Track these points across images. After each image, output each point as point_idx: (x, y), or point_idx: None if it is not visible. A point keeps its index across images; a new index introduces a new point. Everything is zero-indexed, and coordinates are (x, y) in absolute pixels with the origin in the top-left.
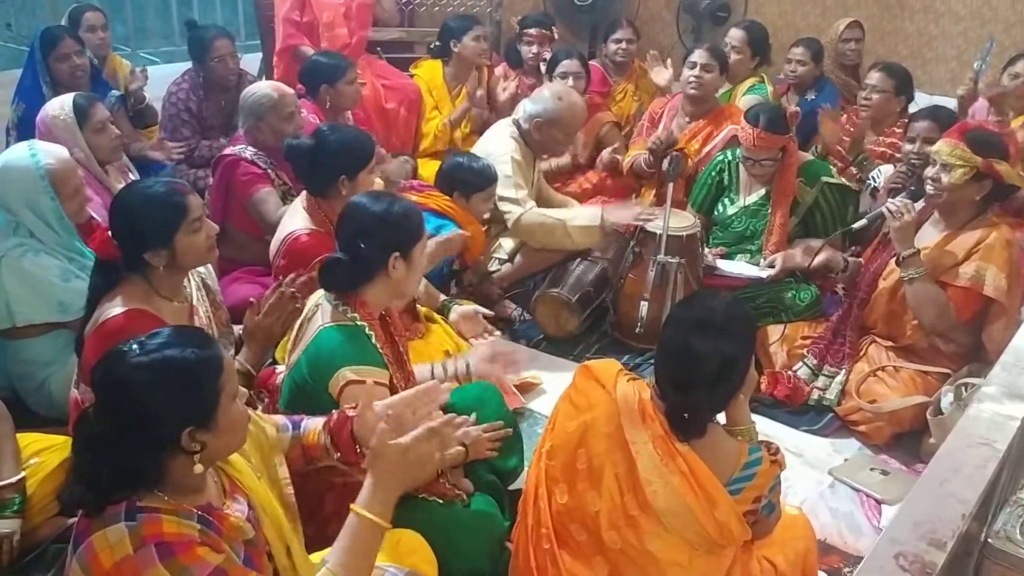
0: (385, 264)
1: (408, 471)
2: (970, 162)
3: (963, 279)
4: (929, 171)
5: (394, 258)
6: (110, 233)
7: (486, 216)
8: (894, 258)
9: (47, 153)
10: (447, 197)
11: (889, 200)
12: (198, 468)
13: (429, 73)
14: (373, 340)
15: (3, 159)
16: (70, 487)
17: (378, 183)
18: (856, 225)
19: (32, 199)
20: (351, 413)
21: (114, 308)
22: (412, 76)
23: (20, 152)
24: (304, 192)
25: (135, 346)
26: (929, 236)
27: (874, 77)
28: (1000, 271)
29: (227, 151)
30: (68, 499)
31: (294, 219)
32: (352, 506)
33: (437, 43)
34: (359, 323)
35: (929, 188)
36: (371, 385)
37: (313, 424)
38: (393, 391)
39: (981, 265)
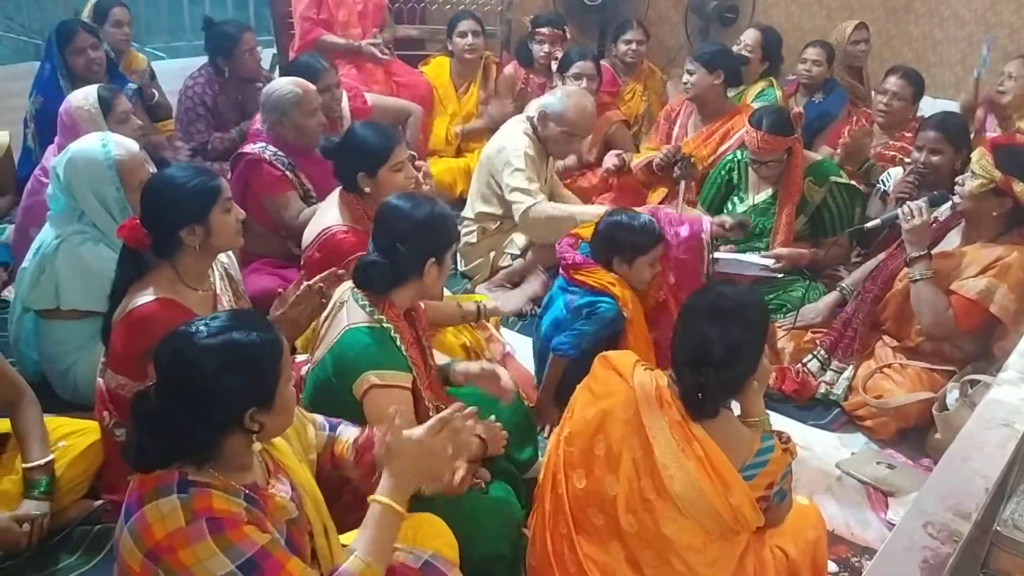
0: (421, 269)
1: (422, 463)
2: (989, 175)
3: (972, 291)
4: (960, 176)
5: (430, 263)
6: (139, 220)
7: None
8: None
9: (118, 144)
10: (608, 271)
11: (905, 203)
12: (256, 446)
13: (436, 70)
14: (398, 342)
15: (74, 147)
16: (130, 449)
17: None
18: (868, 225)
19: (98, 187)
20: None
21: (144, 296)
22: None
23: (92, 141)
24: (339, 188)
25: (201, 328)
26: (953, 243)
27: (896, 84)
28: (1011, 291)
29: (247, 149)
30: (127, 457)
31: (329, 213)
32: (371, 497)
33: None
34: (385, 325)
35: (956, 192)
36: (394, 391)
37: (347, 434)
38: (416, 393)
39: (993, 282)
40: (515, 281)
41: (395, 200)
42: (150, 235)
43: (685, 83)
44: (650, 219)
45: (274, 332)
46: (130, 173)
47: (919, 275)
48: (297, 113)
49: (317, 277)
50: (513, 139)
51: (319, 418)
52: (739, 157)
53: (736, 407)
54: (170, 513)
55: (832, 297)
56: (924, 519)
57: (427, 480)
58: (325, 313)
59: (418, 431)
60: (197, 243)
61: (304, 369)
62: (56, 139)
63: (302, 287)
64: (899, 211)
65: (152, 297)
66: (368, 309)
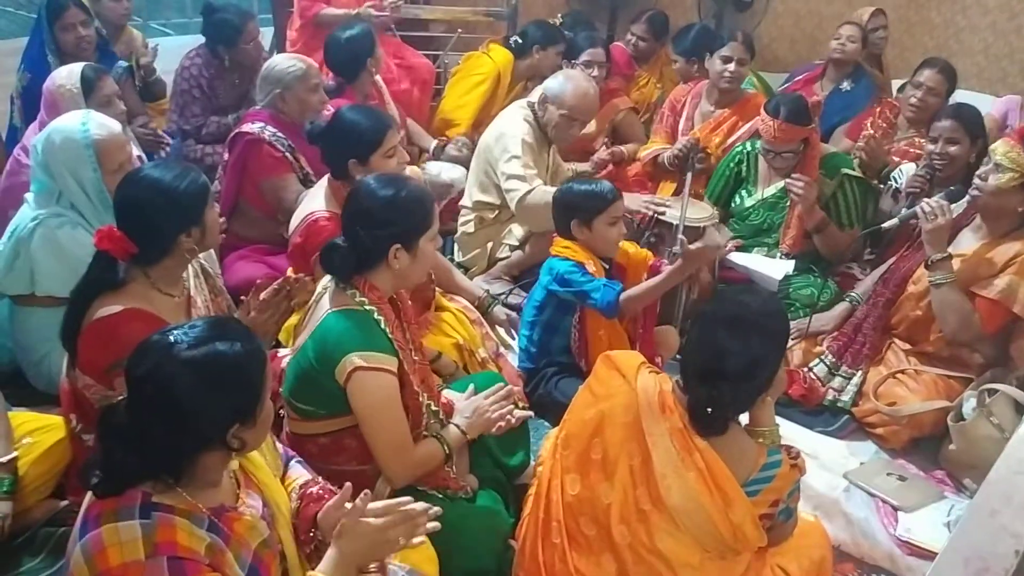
0: (385, 254)
1: (372, 550)
2: (1021, 168)
3: (993, 292)
4: (980, 169)
5: (395, 249)
6: (118, 230)
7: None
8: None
9: (98, 124)
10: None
11: (924, 200)
12: (234, 464)
13: (504, 59)
14: (382, 324)
15: (54, 124)
16: (90, 472)
17: (414, 171)
18: (886, 225)
19: (75, 167)
20: (327, 496)
21: (114, 306)
22: (486, 53)
23: (72, 119)
24: (328, 174)
25: (181, 339)
26: (968, 242)
27: (932, 78)
28: None
29: (245, 128)
30: (86, 482)
31: (315, 200)
32: (311, 573)
33: (518, 40)
34: (367, 307)
35: (974, 185)
36: (380, 374)
37: (296, 473)
38: (402, 378)
39: (1014, 280)
40: (513, 274)
41: (365, 180)
42: (139, 243)
43: (727, 75)
44: (607, 183)
45: (257, 341)
46: (108, 155)
47: (942, 279)
48: (301, 87)
49: (282, 280)
50: (512, 126)
51: (279, 445)
52: (749, 148)
53: (744, 415)
54: (129, 541)
55: (842, 307)
56: None
57: (371, 561)
58: (309, 303)
59: (378, 520)
60: (195, 244)
61: (284, 361)
62: (39, 116)
63: (269, 289)
64: (918, 209)
65: (121, 307)
66: (349, 292)
